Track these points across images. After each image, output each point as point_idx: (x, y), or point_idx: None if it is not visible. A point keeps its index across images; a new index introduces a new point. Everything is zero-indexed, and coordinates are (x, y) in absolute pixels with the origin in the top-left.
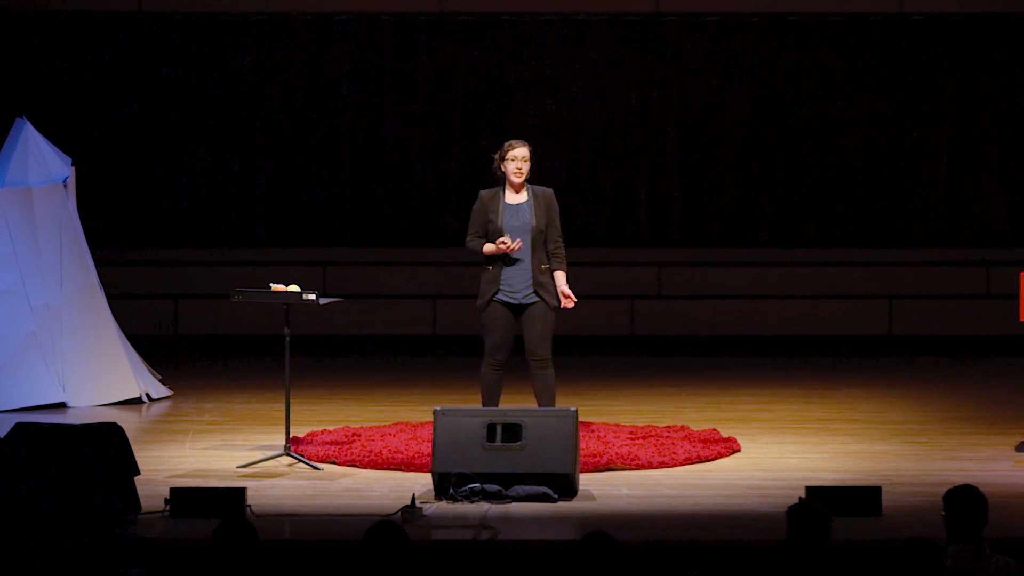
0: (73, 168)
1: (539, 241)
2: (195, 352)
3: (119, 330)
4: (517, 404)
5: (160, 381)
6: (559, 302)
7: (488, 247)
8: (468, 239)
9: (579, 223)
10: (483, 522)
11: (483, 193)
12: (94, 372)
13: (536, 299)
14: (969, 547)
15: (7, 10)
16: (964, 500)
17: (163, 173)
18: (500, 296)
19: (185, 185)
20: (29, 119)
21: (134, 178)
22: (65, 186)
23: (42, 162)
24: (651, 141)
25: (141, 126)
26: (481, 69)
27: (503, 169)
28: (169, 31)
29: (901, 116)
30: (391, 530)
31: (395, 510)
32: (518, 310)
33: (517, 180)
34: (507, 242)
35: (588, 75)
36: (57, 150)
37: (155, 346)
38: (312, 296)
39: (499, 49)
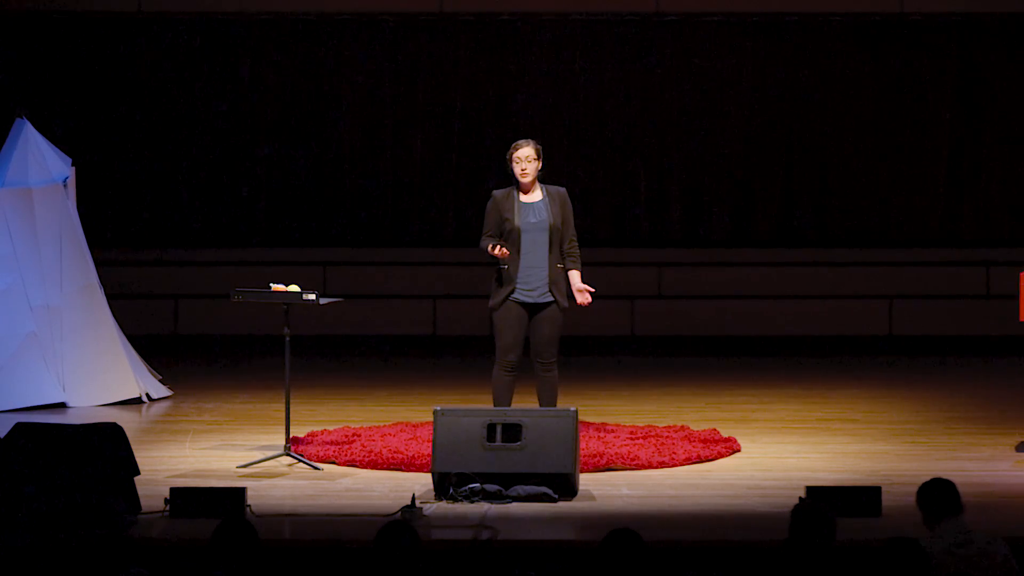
0: (73, 168)
1: (556, 239)
2: (195, 352)
3: (119, 330)
4: (518, 404)
5: (160, 381)
6: (570, 302)
7: (486, 244)
8: (482, 239)
9: (579, 223)
10: (483, 522)
11: (496, 193)
12: (94, 372)
13: (551, 298)
14: (949, 523)
15: (7, 10)
16: (934, 489)
17: (163, 173)
18: (516, 296)
19: (185, 185)
20: (29, 119)
21: (134, 178)
22: (65, 186)
23: (42, 162)
24: (651, 141)
25: (141, 126)
26: (481, 69)
27: (512, 170)
28: (169, 31)
29: (901, 116)
30: (403, 531)
31: (395, 510)
32: (532, 310)
33: (523, 180)
34: (499, 247)
35: (588, 75)
36: (57, 150)
37: (155, 346)
38: (312, 296)
39: (499, 49)
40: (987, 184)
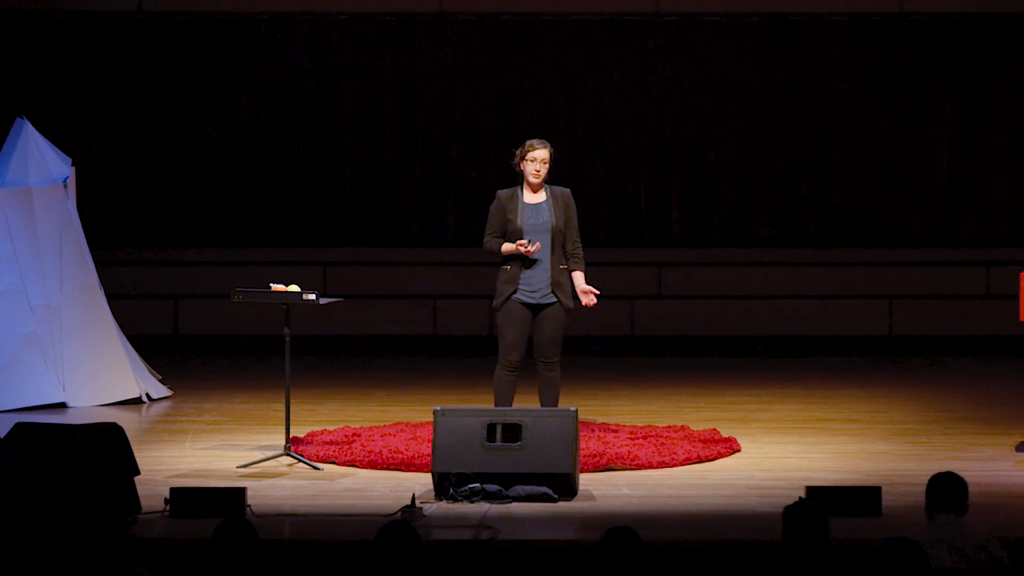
0: (73, 168)
1: (558, 240)
2: (195, 352)
3: (119, 330)
4: (518, 404)
5: (160, 381)
6: (575, 303)
7: (507, 247)
8: (486, 239)
9: (579, 223)
10: (483, 522)
11: (501, 193)
12: (94, 372)
13: (553, 299)
14: (947, 517)
15: (7, 10)
16: (945, 481)
17: (163, 173)
18: (518, 296)
19: (185, 185)
20: (29, 119)
21: (134, 178)
22: (65, 186)
23: (42, 162)
24: (651, 141)
25: (141, 126)
26: (481, 69)
27: (521, 168)
28: (169, 31)
29: (901, 116)
30: (403, 531)
31: (395, 510)
32: (535, 310)
33: (534, 181)
34: (526, 244)
35: (588, 75)
36: (57, 150)
37: (155, 346)
38: (312, 296)
39: (499, 49)
40: (987, 184)
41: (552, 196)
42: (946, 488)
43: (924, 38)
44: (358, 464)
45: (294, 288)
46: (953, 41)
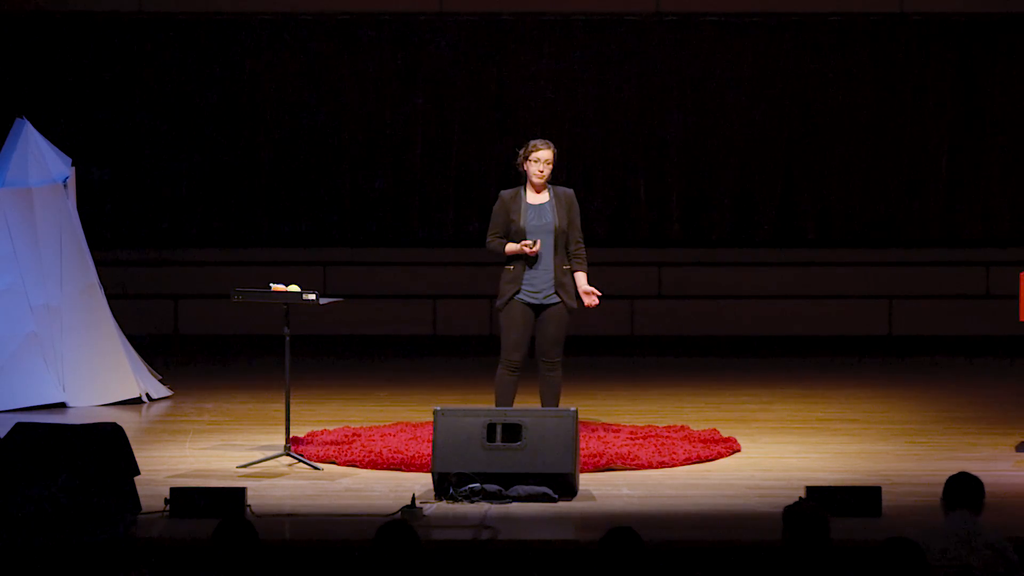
0: (73, 168)
1: (561, 241)
2: (195, 352)
3: (119, 330)
4: (519, 404)
5: (160, 381)
6: (578, 304)
7: (511, 247)
8: (489, 239)
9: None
10: (483, 522)
11: (504, 193)
12: (94, 372)
13: (556, 300)
14: (962, 513)
15: (7, 10)
16: (962, 480)
17: (163, 173)
18: (521, 296)
19: (185, 185)
20: (29, 119)
21: (134, 178)
22: (65, 186)
23: (42, 162)
24: (651, 141)
25: (141, 126)
26: (481, 69)
27: (525, 168)
28: (169, 31)
29: (901, 116)
30: (403, 531)
31: (395, 510)
32: (538, 310)
33: (538, 181)
34: (530, 245)
35: (588, 75)
36: (57, 150)
37: (155, 346)
38: (312, 296)
39: (499, 49)
40: (987, 184)
41: (555, 196)
42: (964, 486)
43: (924, 38)
44: (358, 464)
45: (294, 288)
46: (953, 41)
